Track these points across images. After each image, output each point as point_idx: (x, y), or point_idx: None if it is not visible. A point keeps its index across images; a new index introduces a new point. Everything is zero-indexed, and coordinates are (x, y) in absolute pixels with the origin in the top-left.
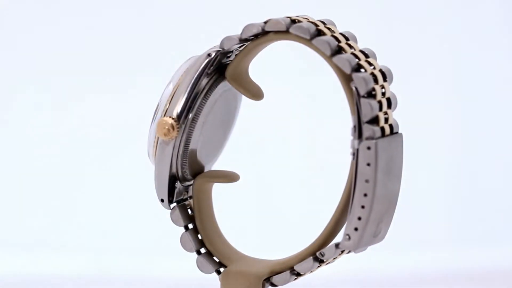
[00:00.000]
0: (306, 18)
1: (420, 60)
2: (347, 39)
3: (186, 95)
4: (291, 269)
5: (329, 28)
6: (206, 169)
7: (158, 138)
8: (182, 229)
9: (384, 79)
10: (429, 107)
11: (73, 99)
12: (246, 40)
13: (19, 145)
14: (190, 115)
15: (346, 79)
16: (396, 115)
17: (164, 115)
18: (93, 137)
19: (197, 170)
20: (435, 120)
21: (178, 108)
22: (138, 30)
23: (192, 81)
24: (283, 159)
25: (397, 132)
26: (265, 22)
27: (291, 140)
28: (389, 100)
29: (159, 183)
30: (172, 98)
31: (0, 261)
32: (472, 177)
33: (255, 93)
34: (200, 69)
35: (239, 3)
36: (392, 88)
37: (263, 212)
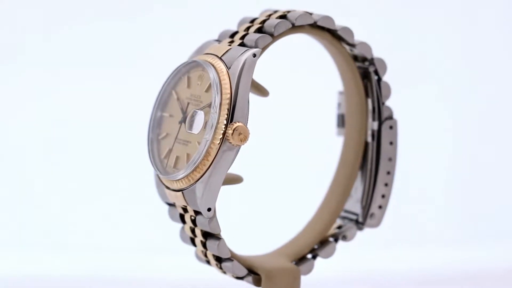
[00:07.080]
0: (310, 12)
1: (419, 59)
2: None
3: (248, 99)
4: (307, 256)
5: None
6: None
7: (220, 145)
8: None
9: None
10: (427, 107)
11: (74, 99)
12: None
13: (18, 144)
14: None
15: (353, 66)
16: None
17: (235, 121)
18: (92, 136)
19: None
20: (435, 120)
21: (245, 112)
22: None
23: (249, 84)
24: (277, 159)
25: None
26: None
27: (288, 139)
28: None
29: (212, 192)
30: (234, 103)
31: (0, 261)
32: (472, 177)
33: (266, 91)
34: (252, 72)
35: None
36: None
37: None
